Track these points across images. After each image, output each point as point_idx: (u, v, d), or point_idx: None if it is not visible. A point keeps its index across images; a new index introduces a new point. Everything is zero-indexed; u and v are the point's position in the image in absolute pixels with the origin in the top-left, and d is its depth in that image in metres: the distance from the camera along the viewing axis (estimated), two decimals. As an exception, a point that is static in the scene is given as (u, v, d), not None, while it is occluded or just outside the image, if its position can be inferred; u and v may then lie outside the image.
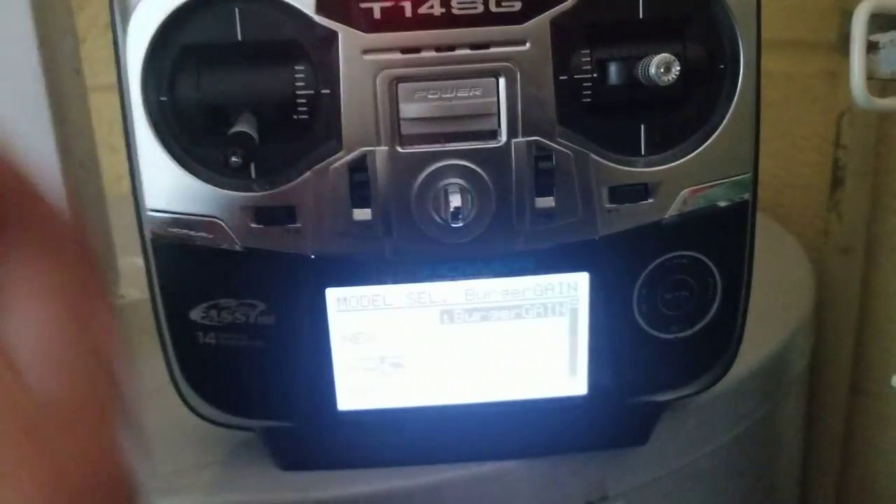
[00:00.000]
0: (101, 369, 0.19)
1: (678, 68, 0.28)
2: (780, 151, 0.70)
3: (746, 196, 0.31)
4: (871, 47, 0.34)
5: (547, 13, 0.28)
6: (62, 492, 0.16)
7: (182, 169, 0.29)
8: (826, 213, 0.67)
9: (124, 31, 0.28)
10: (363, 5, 0.28)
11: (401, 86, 0.28)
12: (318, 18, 0.28)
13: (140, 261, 0.58)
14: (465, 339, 0.31)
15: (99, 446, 0.18)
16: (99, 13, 0.80)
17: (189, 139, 0.29)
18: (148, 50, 0.28)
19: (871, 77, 0.34)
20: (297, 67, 0.29)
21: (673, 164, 0.30)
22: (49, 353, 0.18)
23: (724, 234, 0.31)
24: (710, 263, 0.32)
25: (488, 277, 0.31)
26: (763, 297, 0.45)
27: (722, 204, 0.31)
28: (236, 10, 0.28)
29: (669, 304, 0.32)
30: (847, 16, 0.59)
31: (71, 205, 0.29)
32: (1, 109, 0.33)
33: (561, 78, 0.29)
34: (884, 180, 0.63)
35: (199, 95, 0.29)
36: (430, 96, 0.28)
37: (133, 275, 0.56)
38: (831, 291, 0.66)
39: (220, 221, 0.30)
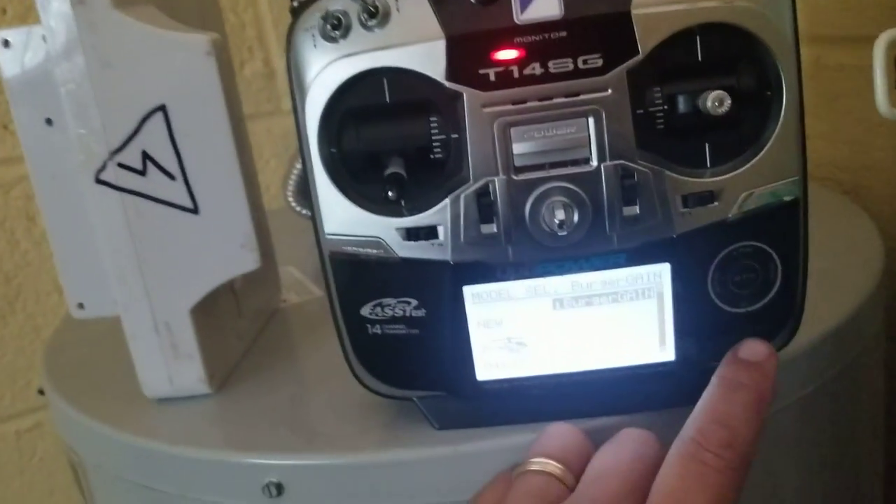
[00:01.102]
0: None
1: (729, 102, 0.36)
2: (857, 138, 0.75)
3: (796, 195, 0.38)
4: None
5: (623, 66, 0.36)
6: None
7: (350, 202, 0.39)
8: None
9: (303, 103, 0.38)
10: (481, 72, 0.36)
11: (513, 129, 0.37)
12: (447, 84, 0.37)
13: (293, 269, 0.70)
14: (574, 321, 0.40)
15: None
16: (234, 54, 0.92)
17: (354, 179, 0.39)
18: (321, 116, 0.38)
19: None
20: (431, 119, 0.38)
21: (733, 173, 0.38)
22: None
23: (780, 227, 0.39)
24: (770, 250, 0.39)
25: (589, 271, 0.39)
26: (837, 272, 0.53)
27: (775, 202, 0.38)
28: (384, 80, 0.38)
29: (738, 284, 0.39)
30: None
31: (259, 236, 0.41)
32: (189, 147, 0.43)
33: (638, 112, 0.37)
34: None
35: (360, 146, 0.38)
36: (535, 135, 0.37)
37: (290, 283, 0.67)
38: None
39: (380, 240, 0.39)
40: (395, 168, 0.38)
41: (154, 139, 0.44)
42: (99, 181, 0.45)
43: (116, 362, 0.52)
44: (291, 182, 0.80)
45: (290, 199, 0.80)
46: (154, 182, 0.45)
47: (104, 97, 0.44)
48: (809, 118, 0.78)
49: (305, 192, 0.76)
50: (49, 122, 0.46)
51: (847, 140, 0.78)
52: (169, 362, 0.48)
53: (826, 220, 0.66)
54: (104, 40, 0.43)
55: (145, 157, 0.45)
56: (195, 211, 0.46)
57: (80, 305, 0.49)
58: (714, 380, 0.38)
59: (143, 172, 0.45)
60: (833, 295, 0.50)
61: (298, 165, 0.77)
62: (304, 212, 0.78)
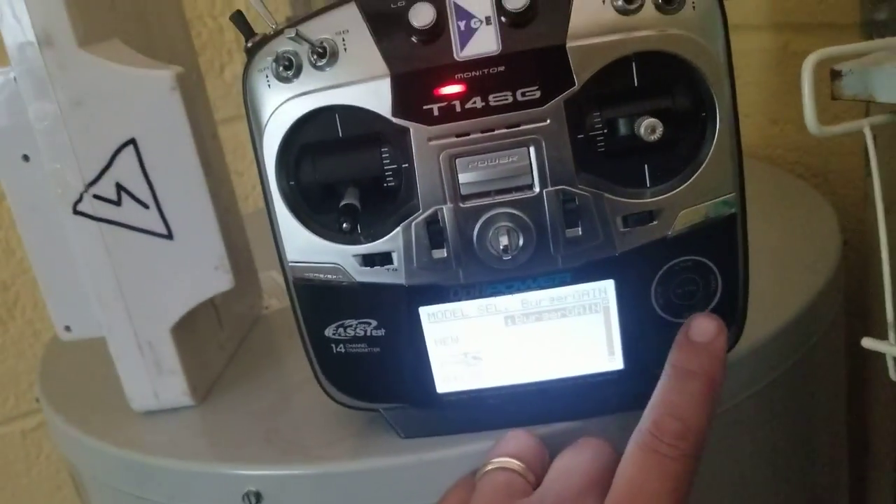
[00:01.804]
0: None
1: (661, 129, 0.38)
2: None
3: (734, 210, 0.40)
4: (836, 76, 0.42)
5: (560, 97, 0.38)
6: None
7: (309, 231, 0.41)
8: (865, 177, 0.74)
9: (260, 140, 0.40)
10: (426, 107, 0.38)
11: (458, 160, 0.39)
12: (394, 120, 0.39)
13: (274, 274, 0.72)
14: (526, 336, 0.42)
15: None
16: (213, 58, 0.93)
17: (312, 209, 0.41)
18: (278, 151, 0.40)
19: (836, 98, 0.43)
20: (383, 150, 0.40)
21: (671, 193, 0.40)
22: None
23: (718, 241, 0.41)
24: (710, 263, 0.41)
25: (537, 290, 0.41)
26: (791, 260, 0.55)
27: (713, 218, 0.40)
28: (336, 116, 0.40)
29: (680, 296, 0.41)
30: (867, 2, 0.66)
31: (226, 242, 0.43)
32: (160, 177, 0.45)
33: (578, 137, 0.39)
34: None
35: (316, 178, 0.40)
36: (480, 165, 0.39)
37: (271, 287, 0.69)
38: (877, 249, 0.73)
39: (339, 266, 0.41)
40: (349, 199, 0.40)
41: (127, 171, 0.46)
42: (77, 212, 0.47)
43: (106, 375, 0.55)
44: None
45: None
46: (129, 211, 0.47)
47: (77, 133, 0.46)
48: (778, 104, 0.80)
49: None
50: (26, 158, 0.48)
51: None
52: (153, 379, 0.51)
53: (788, 208, 0.68)
54: (73, 80, 0.45)
55: (119, 188, 0.47)
56: (170, 236, 0.48)
57: (67, 328, 0.52)
58: (667, 368, 0.40)
59: (118, 202, 0.47)
60: (793, 282, 0.53)
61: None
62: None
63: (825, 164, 0.79)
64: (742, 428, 0.50)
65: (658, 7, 0.38)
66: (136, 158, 0.46)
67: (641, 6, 0.38)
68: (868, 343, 0.43)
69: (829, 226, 0.61)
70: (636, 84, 0.39)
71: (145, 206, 0.47)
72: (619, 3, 0.38)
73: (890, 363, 0.44)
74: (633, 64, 0.39)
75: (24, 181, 0.49)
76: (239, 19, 0.40)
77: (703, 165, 0.40)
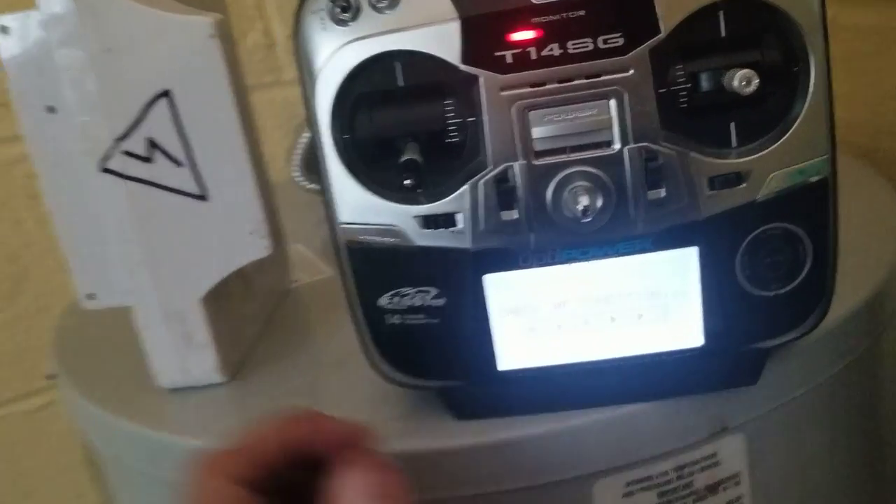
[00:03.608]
0: None
1: (757, 81, 0.34)
2: (875, 100, 0.73)
3: (826, 174, 0.37)
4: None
5: (646, 45, 0.35)
6: None
7: (365, 189, 0.37)
8: None
9: (313, 89, 0.37)
10: (498, 54, 0.35)
11: (531, 113, 0.35)
12: (463, 67, 0.35)
13: (301, 247, 0.68)
14: (599, 308, 0.39)
15: None
16: (234, 24, 0.90)
17: (368, 166, 0.38)
18: (333, 102, 0.36)
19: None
20: (446, 102, 0.36)
21: (760, 153, 0.36)
22: None
23: (809, 207, 0.37)
24: (800, 232, 0.38)
25: (614, 256, 0.38)
26: (858, 243, 0.51)
27: (804, 183, 0.37)
28: (397, 63, 0.36)
29: (768, 267, 0.38)
30: None
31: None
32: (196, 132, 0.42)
33: (660, 91, 0.36)
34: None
35: (374, 131, 0.37)
36: (555, 119, 0.36)
37: (299, 262, 0.66)
38: None
39: (397, 228, 0.38)
40: (410, 154, 0.36)
41: (159, 125, 0.43)
42: (104, 170, 0.44)
43: (126, 348, 0.51)
44: (297, 155, 0.78)
45: (296, 172, 0.78)
46: (161, 169, 0.44)
47: (107, 83, 0.43)
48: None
49: (311, 165, 0.75)
50: (51, 109, 0.44)
51: (862, 102, 0.76)
52: (182, 352, 0.48)
53: (845, 189, 0.65)
54: (106, 25, 0.42)
55: (151, 143, 0.43)
56: (204, 198, 0.44)
57: (91, 296, 0.48)
58: None
59: (149, 160, 0.44)
60: (857, 269, 0.49)
61: (304, 137, 0.76)
62: (310, 186, 0.77)
63: (872, 143, 0.76)
64: (810, 417, 0.46)
65: (752, -52, 0.35)
66: (171, 112, 0.43)
67: (733, -53, 0.35)
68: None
69: (891, 208, 0.58)
70: (724, 34, 0.36)
71: (179, 163, 0.44)
72: (711, -58, 0.34)
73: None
74: (721, 13, 0.35)
75: (48, 135, 0.45)
76: (290, -43, 0.37)
77: (796, 124, 0.36)
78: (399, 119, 0.37)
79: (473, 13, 0.35)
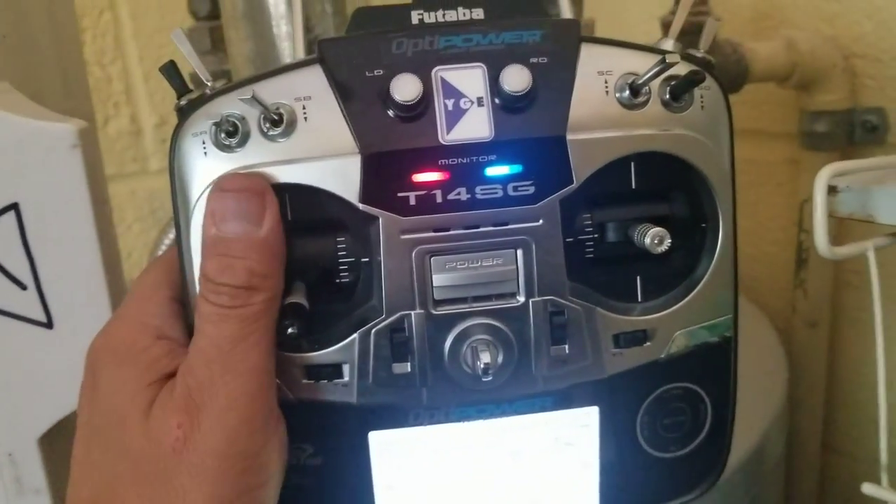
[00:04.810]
0: None
1: (669, 241, 0.33)
2: (748, 230, 0.76)
3: (729, 334, 0.36)
4: (831, 190, 0.39)
5: (556, 194, 0.33)
6: None
7: (241, 333, 0.33)
8: (793, 289, 0.72)
9: (188, 220, 0.32)
10: (400, 195, 0.32)
11: (433, 259, 0.33)
12: (361, 206, 0.32)
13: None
14: (494, 469, 0.36)
15: None
16: (97, 109, 0.84)
17: (246, 307, 0.34)
18: (211, 234, 0.33)
19: (831, 215, 0.39)
20: (339, 239, 0.33)
21: (666, 311, 0.35)
22: None
23: (712, 367, 0.36)
24: (702, 391, 0.36)
25: (512, 415, 0.35)
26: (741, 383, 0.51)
27: (707, 342, 0.36)
28: (285, 195, 0.33)
29: (668, 428, 0.36)
30: (806, 114, 0.65)
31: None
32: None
33: (568, 240, 0.34)
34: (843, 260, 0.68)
35: (255, 269, 0.33)
36: (458, 266, 0.33)
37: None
38: (801, 361, 0.71)
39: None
40: (296, 297, 0.33)
41: (3, 242, 0.38)
42: None
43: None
44: (161, 251, 0.73)
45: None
46: (1, 291, 0.38)
47: None
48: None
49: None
50: None
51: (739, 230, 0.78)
52: (10, 499, 0.41)
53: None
54: None
55: (-10, 263, 0.38)
56: (49, 325, 0.39)
57: None
58: None
59: (-13, 280, 0.38)
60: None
61: (171, 238, 0.70)
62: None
63: (748, 272, 0.78)
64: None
65: (665, 104, 0.34)
66: (18, 227, 0.37)
67: (647, 101, 0.34)
68: (869, 489, 0.38)
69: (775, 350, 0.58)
70: (634, 186, 0.34)
71: (23, 286, 0.38)
72: (625, 95, 0.33)
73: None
74: (633, 164, 0.34)
75: None
76: (171, 71, 0.33)
77: (703, 282, 0.35)
78: (287, 263, 0.33)
79: (376, 150, 0.32)
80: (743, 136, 0.73)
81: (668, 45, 0.35)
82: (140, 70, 0.85)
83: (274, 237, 0.31)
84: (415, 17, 0.33)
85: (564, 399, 0.35)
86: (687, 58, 0.34)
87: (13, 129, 0.36)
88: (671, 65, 0.31)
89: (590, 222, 0.34)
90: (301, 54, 0.55)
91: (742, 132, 0.73)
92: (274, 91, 0.32)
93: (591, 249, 0.34)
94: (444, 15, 0.33)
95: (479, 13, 0.33)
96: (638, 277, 0.35)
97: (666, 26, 0.66)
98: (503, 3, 0.34)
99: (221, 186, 0.32)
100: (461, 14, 0.33)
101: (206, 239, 0.32)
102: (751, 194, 0.75)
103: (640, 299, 0.35)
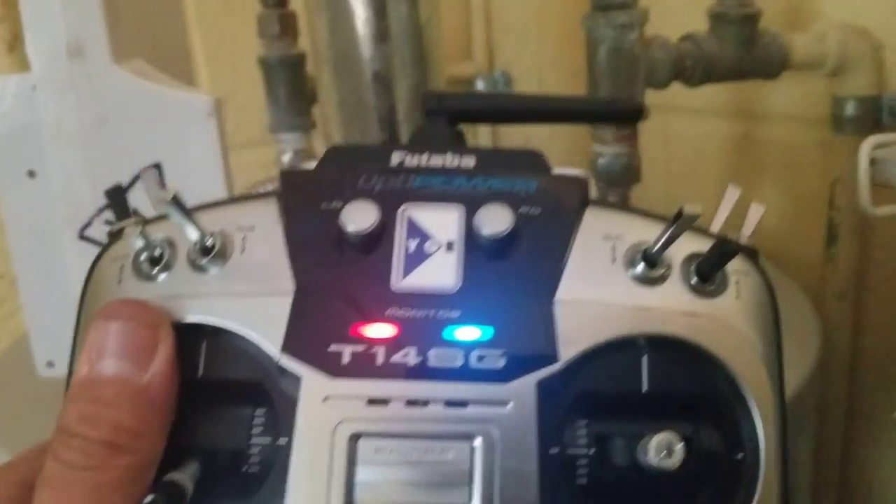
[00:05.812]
0: None
1: (682, 452, 0.24)
2: (783, 208, 0.82)
3: None
4: (872, 162, 0.42)
5: (533, 374, 0.25)
6: None
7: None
8: (823, 263, 0.77)
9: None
10: (332, 348, 0.25)
11: (361, 442, 0.24)
12: (281, 359, 0.25)
13: None
14: None
15: None
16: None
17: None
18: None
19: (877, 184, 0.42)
20: (256, 413, 0.26)
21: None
22: None
23: None
24: None
25: None
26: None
27: None
28: (203, 343, 0.26)
29: None
30: (836, 100, 0.74)
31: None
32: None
33: (551, 452, 0.25)
34: (871, 234, 0.76)
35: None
36: (392, 457, 0.24)
37: None
38: (830, 330, 0.75)
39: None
40: (178, 476, 0.24)
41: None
42: (83, 237, 0.42)
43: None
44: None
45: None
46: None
47: (96, 152, 0.41)
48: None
49: None
50: (31, 174, 0.42)
51: (774, 207, 0.82)
52: None
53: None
54: (101, 95, 0.41)
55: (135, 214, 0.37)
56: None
57: (50, 364, 0.45)
58: None
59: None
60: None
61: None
62: None
63: (781, 248, 0.81)
64: None
65: (689, 283, 0.26)
66: (159, 186, 0.37)
67: (665, 278, 0.26)
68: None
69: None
70: (646, 388, 0.26)
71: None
72: (639, 269, 0.26)
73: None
74: (645, 356, 0.26)
75: (26, 198, 0.43)
76: (116, 195, 0.29)
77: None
78: (183, 425, 0.26)
79: (311, 288, 0.26)
80: (778, 121, 0.81)
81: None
82: (202, 52, 0.92)
83: (159, 386, 0.24)
84: (395, 157, 0.28)
85: None
86: (725, 245, 0.27)
87: (157, 98, 0.40)
88: (690, 222, 0.25)
89: (584, 431, 0.25)
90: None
91: (777, 117, 0.81)
92: (217, 218, 0.27)
93: (585, 471, 0.25)
94: (429, 159, 0.28)
95: (469, 161, 0.28)
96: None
97: (713, 17, 0.68)
98: (501, 157, 0.29)
99: (105, 314, 0.25)
100: (449, 160, 0.28)
101: (76, 379, 0.25)
102: (786, 174, 0.81)
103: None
